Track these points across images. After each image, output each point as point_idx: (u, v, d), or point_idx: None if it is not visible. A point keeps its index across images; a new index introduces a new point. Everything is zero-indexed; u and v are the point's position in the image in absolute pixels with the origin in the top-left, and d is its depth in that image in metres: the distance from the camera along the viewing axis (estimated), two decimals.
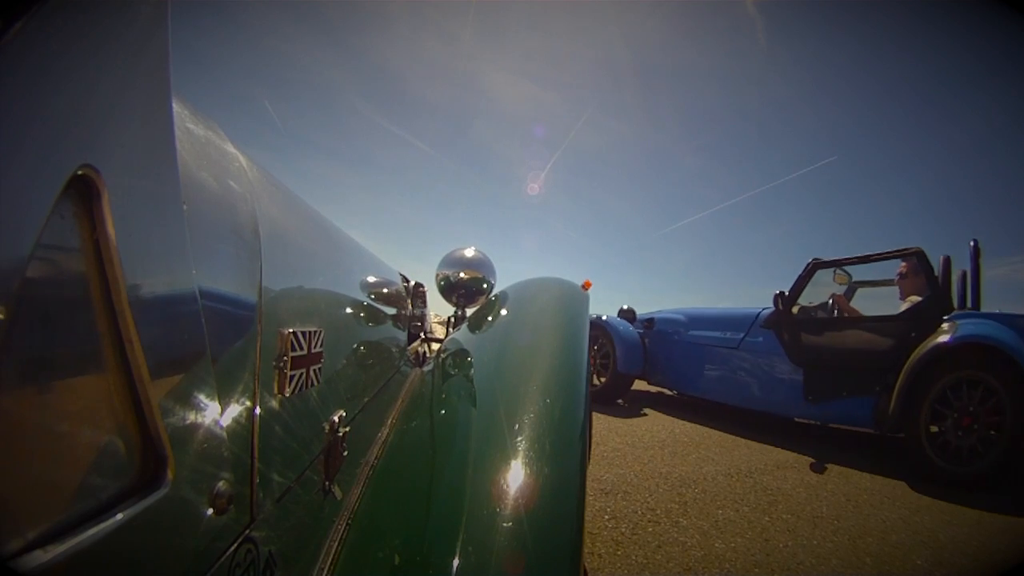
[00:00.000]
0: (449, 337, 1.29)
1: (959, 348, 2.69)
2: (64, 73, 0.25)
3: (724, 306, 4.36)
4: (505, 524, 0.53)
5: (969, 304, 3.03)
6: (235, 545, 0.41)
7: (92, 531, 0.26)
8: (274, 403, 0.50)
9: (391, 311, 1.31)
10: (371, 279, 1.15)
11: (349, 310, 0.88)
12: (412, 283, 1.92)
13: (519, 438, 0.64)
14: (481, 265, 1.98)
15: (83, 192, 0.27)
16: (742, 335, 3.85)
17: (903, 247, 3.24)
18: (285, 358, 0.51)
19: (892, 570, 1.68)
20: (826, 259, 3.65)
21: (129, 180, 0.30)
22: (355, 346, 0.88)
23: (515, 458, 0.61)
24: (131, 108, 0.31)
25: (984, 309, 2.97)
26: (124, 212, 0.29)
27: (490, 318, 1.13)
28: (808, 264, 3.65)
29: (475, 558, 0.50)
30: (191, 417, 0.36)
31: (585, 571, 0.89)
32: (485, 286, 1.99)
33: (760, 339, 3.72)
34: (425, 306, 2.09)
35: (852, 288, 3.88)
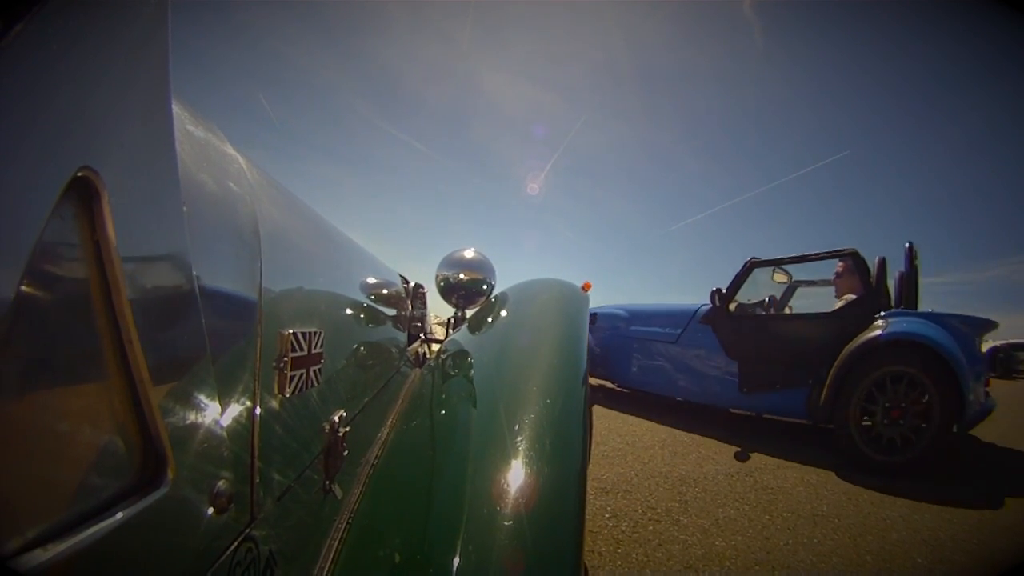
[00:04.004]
0: (449, 338, 1.29)
1: (889, 344, 2.81)
2: (64, 73, 0.26)
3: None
4: (505, 523, 0.53)
5: (905, 304, 3.15)
6: (235, 544, 0.41)
7: (92, 530, 0.27)
8: (274, 403, 0.50)
9: (391, 312, 1.31)
10: (371, 280, 1.15)
11: (349, 311, 0.88)
12: (412, 284, 1.92)
13: (519, 438, 0.64)
14: (481, 266, 1.98)
15: (83, 193, 0.27)
16: (680, 330, 4.03)
17: (839, 248, 3.41)
18: (285, 359, 0.51)
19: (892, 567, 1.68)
20: (764, 259, 3.83)
21: (129, 181, 0.30)
22: (355, 347, 0.88)
23: (515, 458, 0.61)
24: (131, 109, 0.31)
25: (941, 310, 3.04)
26: (124, 213, 0.29)
27: (490, 319, 1.13)
28: (746, 263, 3.83)
29: (475, 558, 0.50)
30: (191, 417, 0.36)
31: (586, 570, 0.88)
32: (485, 287, 1.98)
33: (698, 334, 3.89)
34: (425, 307, 2.09)
35: (792, 287, 4.09)
